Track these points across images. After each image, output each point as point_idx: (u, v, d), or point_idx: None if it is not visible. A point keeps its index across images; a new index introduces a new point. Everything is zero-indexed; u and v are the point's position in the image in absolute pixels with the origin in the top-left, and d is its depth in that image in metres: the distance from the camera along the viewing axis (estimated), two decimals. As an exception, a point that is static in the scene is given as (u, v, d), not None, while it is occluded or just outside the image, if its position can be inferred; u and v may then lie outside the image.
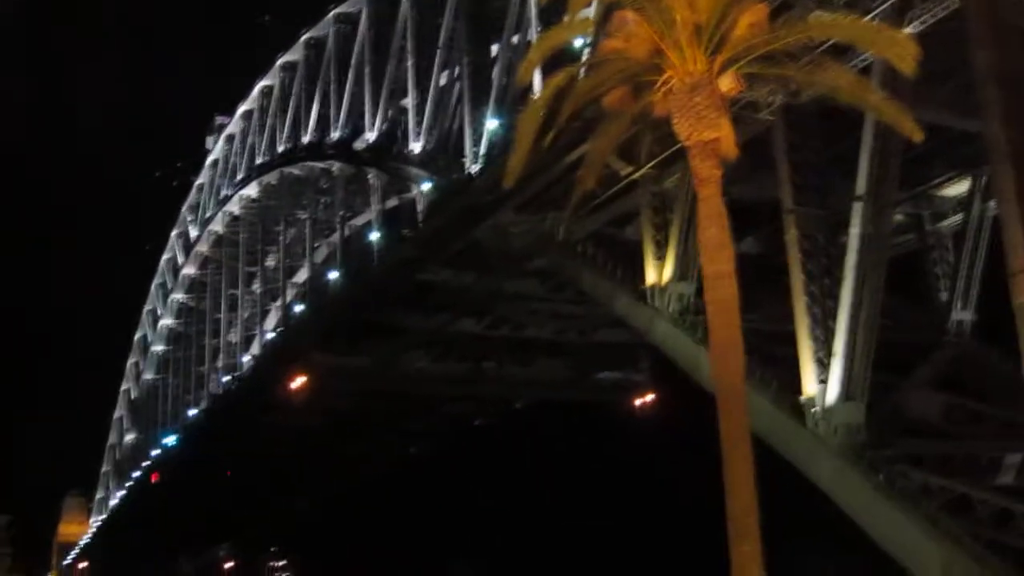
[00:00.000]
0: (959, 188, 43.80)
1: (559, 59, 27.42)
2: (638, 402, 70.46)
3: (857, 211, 34.52)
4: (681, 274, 42.28)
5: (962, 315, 42.47)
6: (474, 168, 55.90)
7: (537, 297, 56.98)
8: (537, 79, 51.09)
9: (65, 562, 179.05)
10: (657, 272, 43.01)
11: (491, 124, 56.05)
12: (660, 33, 22.42)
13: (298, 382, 69.52)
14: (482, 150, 55.84)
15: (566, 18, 25.13)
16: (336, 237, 77.06)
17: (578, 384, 70.33)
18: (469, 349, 65.47)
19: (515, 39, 57.12)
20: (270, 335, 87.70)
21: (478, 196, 51.49)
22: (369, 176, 70.39)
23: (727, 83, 22.38)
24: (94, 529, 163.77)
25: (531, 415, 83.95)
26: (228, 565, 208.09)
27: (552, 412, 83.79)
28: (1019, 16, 29.02)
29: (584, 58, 32.11)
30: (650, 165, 40.44)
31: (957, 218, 44.30)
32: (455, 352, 65.91)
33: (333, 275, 73.36)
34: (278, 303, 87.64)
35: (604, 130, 24.60)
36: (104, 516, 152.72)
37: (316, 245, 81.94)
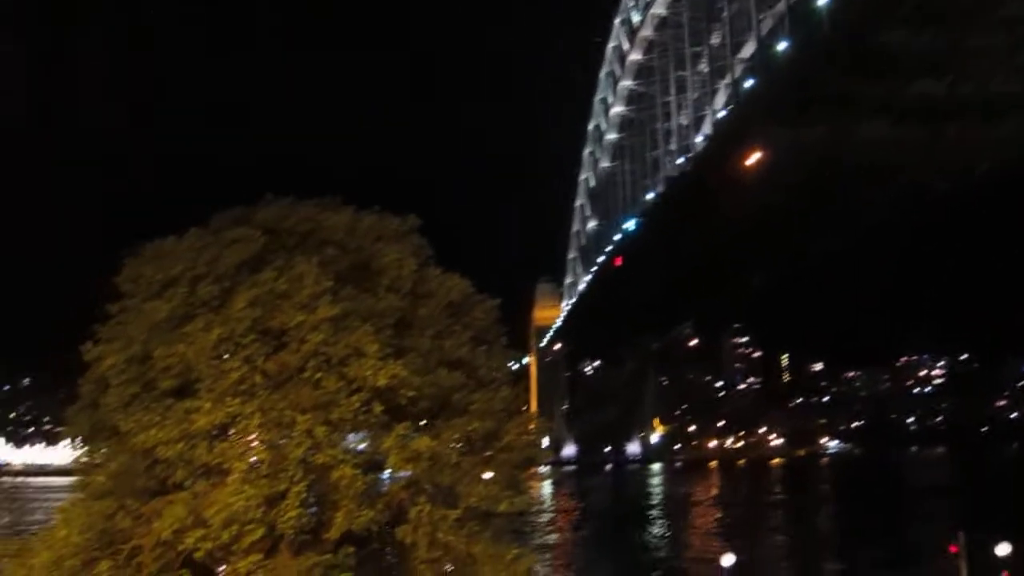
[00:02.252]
0: None
1: None
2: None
3: None
4: None
5: None
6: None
7: (1004, 50, 52.91)
8: None
9: (541, 344, 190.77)
10: None
11: None
12: None
13: (751, 159, 68.97)
14: None
15: None
16: (782, 6, 74.56)
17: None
18: (927, 112, 62.05)
19: None
20: (720, 114, 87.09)
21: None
22: (814, -62, 67.31)
23: None
24: (565, 312, 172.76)
25: (996, 182, 79.27)
26: (691, 343, 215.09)
27: (1020, 178, 78.70)
28: None
29: None
30: None
31: None
32: (912, 116, 62.68)
33: (781, 46, 71.30)
34: (726, 81, 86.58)
35: None
36: (573, 300, 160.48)
37: (761, 17, 79.65)
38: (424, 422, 17.73)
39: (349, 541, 16.40)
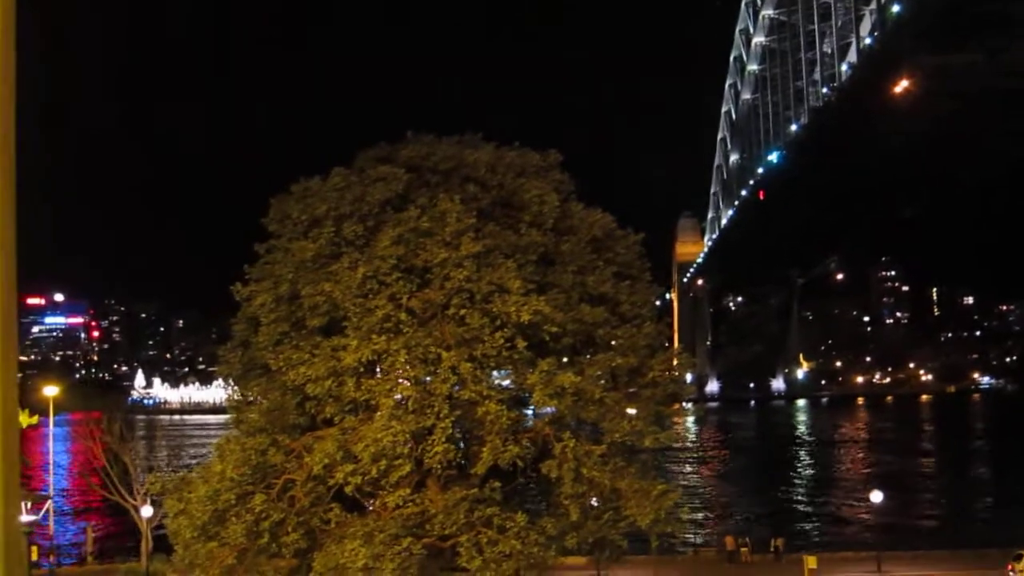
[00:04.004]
0: None
1: None
2: None
3: None
4: None
5: None
6: None
7: None
8: None
9: (684, 280, 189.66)
10: None
11: None
12: None
13: (899, 87, 67.15)
14: None
15: None
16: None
17: None
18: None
19: None
20: (867, 41, 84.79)
21: None
22: None
23: None
24: (708, 248, 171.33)
25: None
26: (837, 277, 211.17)
27: None
28: None
29: None
30: None
31: None
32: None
33: (931, -31, 69.01)
34: (872, 6, 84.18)
35: None
36: (716, 235, 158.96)
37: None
38: (567, 358, 17.78)
39: (495, 476, 16.56)
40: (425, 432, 15.96)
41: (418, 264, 16.70)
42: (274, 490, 16.65)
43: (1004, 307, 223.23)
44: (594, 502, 17.27)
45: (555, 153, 18.95)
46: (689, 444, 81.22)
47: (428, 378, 16.33)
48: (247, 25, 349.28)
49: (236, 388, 19.28)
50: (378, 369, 16.46)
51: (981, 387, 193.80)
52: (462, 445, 17.04)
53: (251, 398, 18.31)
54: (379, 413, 15.95)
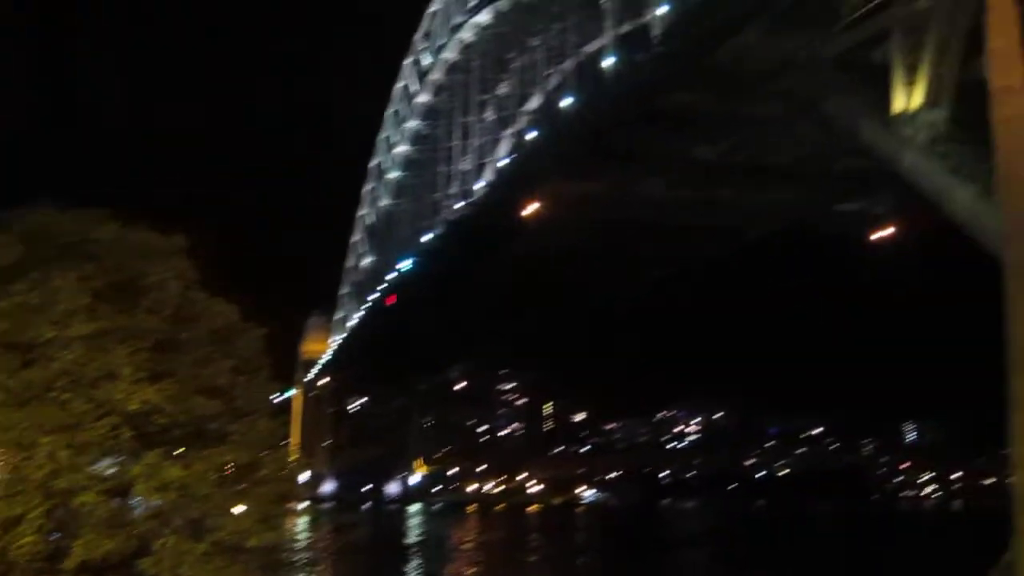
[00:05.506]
0: None
1: None
2: (877, 235, 68.21)
3: None
4: (933, 100, 40.02)
5: None
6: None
7: (777, 122, 55.14)
8: None
9: (307, 378, 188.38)
10: (906, 98, 40.82)
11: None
12: None
13: (531, 208, 69.74)
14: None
15: None
16: (569, 64, 76.33)
17: (815, 215, 68.55)
18: (705, 176, 64.14)
19: None
20: (503, 162, 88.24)
21: (719, 17, 49.84)
22: (603, 0, 69.03)
23: None
24: (334, 347, 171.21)
25: (765, 246, 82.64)
26: (459, 386, 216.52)
27: (787, 243, 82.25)
28: None
29: None
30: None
31: None
32: (690, 179, 64.67)
33: (567, 101, 72.82)
34: (511, 130, 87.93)
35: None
36: (343, 335, 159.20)
37: (549, 72, 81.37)
38: (177, 451, 17.13)
39: (87, 571, 15.64)
40: (13, 521, 14.93)
41: (23, 341, 15.74)
42: None
43: (611, 425, 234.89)
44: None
45: (182, 238, 18.43)
46: (297, 545, 79.89)
47: (22, 462, 15.32)
48: None
49: None
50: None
51: (585, 500, 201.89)
52: (56, 536, 16.07)
53: None
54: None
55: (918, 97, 40.31)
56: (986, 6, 20.72)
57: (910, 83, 40.71)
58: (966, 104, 35.48)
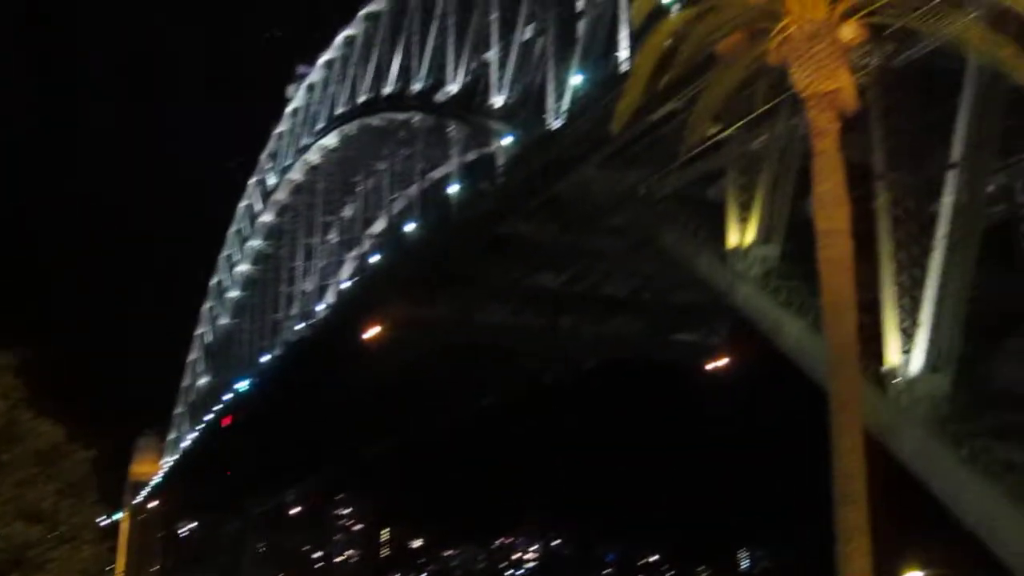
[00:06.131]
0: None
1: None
2: (712, 366, 69.84)
3: (951, 178, 33.66)
4: (765, 237, 41.53)
5: (1052, 287, 41.30)
6: (556, 123, 55.42)
7: (616, 254, 56.47)
8: (623, 35, 50.81)
9: (136, 500, 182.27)
10: (740, 234, 42.30)
11: (575, 79, 55.56)
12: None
13: (372, 332, 69.59)
14: (565, 105, 55.35)
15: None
16: (415, 189, 77.09)
17: (652, 345, 69.96)
18: (546, 304, 65.09)
19: (603, -6, 56.49)
20: (345, 284, 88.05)
21: (560, 151, 51.14)
22: (449, 129, 70.20)
23: (849, 32, 21.57)
24: (166, 469, 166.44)
25: (603, 374, 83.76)
26: (294, 510, 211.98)
27: (624, 372, 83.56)
28: None
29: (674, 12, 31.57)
30: (738, 125, 39.47)
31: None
32: (532, 306, 65.55)
33: (411, 227, 73.37)
34: (354, 253, 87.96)
35: (717, 79, 23.77)
36: (176, 457, 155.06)
37: (394, 197, 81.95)
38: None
39: None
40: None
41: None
42: None
43: (448, 552, 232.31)
44: None
45: (8, 355, 17.91)
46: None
47: None
48: None
49: None
50: None
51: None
52: None
53: None
54: None
55: (751, 233, 41.75)
56: (812, 151, 21.61)
57: (744, 219, 42.19)
58: (797, 240, 36.75)
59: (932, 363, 33.23)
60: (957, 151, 33.58)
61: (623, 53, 50.54)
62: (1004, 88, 30.27)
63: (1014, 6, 20.91)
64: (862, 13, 21.68)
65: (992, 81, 31.05)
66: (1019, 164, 42.89)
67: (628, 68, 36.97)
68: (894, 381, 33.97)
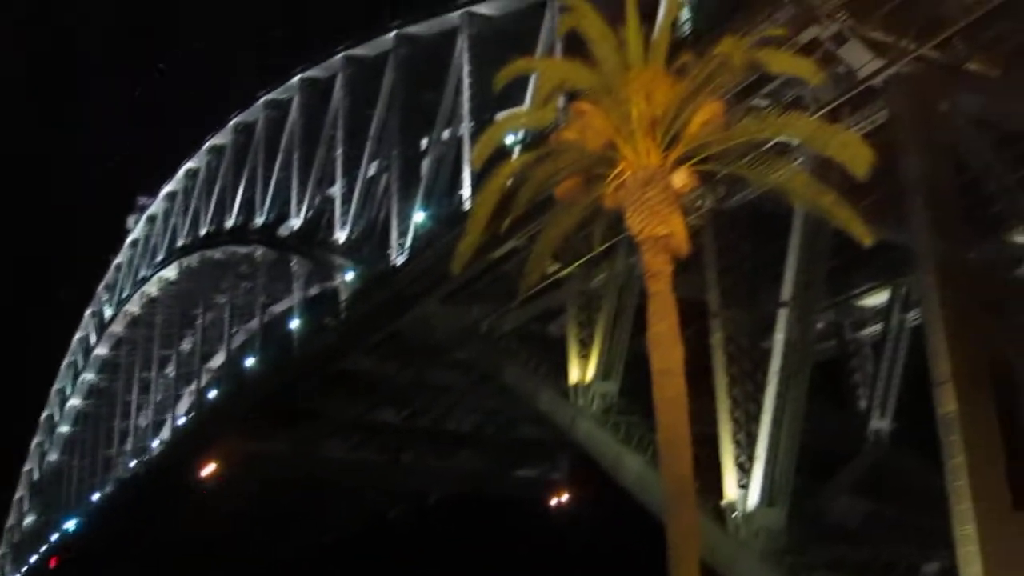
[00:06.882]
0: (879, 298, 44.37)
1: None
2: (555, 501, 70.11)
3: (782, 316, 34.74)
4: (605, 373, 42.12)
5: (880, 423, 42.70)
6: (399, 259, 55.86)
7: (458, 390, 56.72)
8: (466, 175, 51.81)
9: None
10: (581, 370, 42.82)
11: (419, 216, 56.27)
12: (616, 125, 22.35)
13: (209, 468, 68.28)
14: (408, 241, 55.91)
15: (524, 106, 24.61)
16: (255, 323, 76.21)
17: (496, 480, 69.92)
18: (387, 439, 64.87)
19: (446, 133, 57.58)
20: (182, 420, 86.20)
21: (403, 286, 51.46)
22: (292, 263, 69.87)
23: (681, 179, 22.35)
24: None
25: (447, 509, 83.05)
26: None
27: (468, 507, 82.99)
28: (945, 131, 29.82)
29: (516, 154, 32.37)
30: (577, 264, 40.28)
31: (877, 327, 44.86)
32: (373, 441, 65.25)
33: (250, 361, 72.55)
34: (192, 387, 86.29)
35: (555, 220, 24.24)
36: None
37: (234, 331, 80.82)
38: None
39: None
40: None
41: None
42: None
43: None
44: None
45: None
46: None
47: None
48: None
49: None
50: None
51: None
52: None
53: None
54: None
55: (591, 369, 42.30)
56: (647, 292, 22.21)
57: (584, 356, 42.80)
58: (636, 375, 37.36)
59: (768, 497, 33.83)
60: (787, 290, 34.72)
61: (466, 191, 51.48)
62: (829, 231, 31.51)
63: (835, 156, 21.87)
64: (694, 160, 22.45)
65: (818, 225, 32.34)
66: (846, 302, 44.84)
67: (471, 207, 37.61)
68: (732, 515, 34.45)
